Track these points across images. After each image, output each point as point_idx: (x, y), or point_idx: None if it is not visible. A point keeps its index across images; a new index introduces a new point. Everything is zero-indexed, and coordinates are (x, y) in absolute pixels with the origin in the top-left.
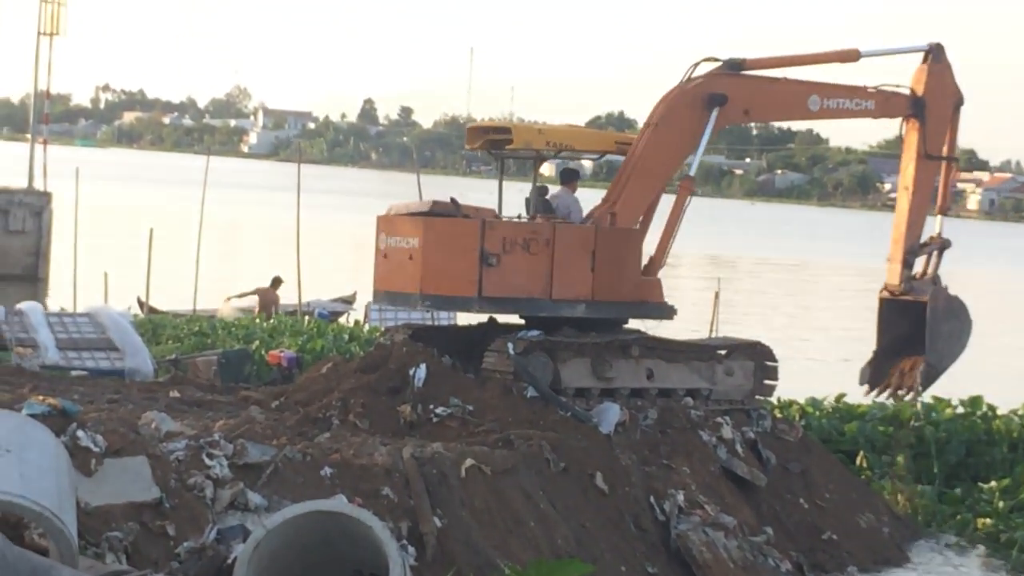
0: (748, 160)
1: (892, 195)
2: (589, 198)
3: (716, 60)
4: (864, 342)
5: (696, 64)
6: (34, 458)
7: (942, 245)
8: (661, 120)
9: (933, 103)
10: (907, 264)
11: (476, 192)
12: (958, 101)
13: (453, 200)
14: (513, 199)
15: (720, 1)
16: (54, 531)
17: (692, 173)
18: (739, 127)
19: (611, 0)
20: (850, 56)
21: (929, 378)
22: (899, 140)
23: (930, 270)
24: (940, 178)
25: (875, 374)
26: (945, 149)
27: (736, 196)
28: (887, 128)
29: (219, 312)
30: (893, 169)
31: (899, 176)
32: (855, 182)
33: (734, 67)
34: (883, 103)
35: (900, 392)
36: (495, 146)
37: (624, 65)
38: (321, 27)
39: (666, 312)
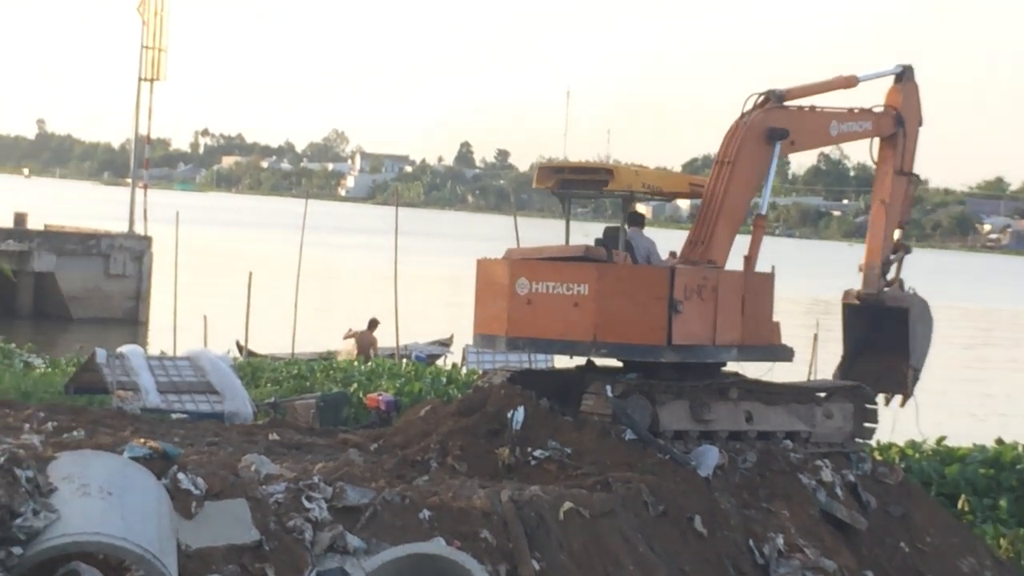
0: (846, 201)
1: (992, 236)
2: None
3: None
4: (967, 383)
5: (756, 97)
6: (135, 501)
7: (905, 251)
8: (737, 158)
9: (908, 121)
10: (884, 272)
11: (572, 234)
12: (920, 121)
13: (605, 245)
14: (574, 239)
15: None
16: (155, 573)
17: (764, 211)
18: (837, 168)
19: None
20: (851, 83)
21: (915, 381)
22: (881, 158)
23: (896, 276)
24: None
25: (846, 378)
26: (910, 166)
27: (834, 237)
28: (985, 169)
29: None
30: (992, 210)
31: (874, 189)
32: (954, 223)
33: (779, 99)
34: (877, 122)
35: (888, 396)
36: (571, 186)
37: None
38: (417, 70)
39: (787, 354)
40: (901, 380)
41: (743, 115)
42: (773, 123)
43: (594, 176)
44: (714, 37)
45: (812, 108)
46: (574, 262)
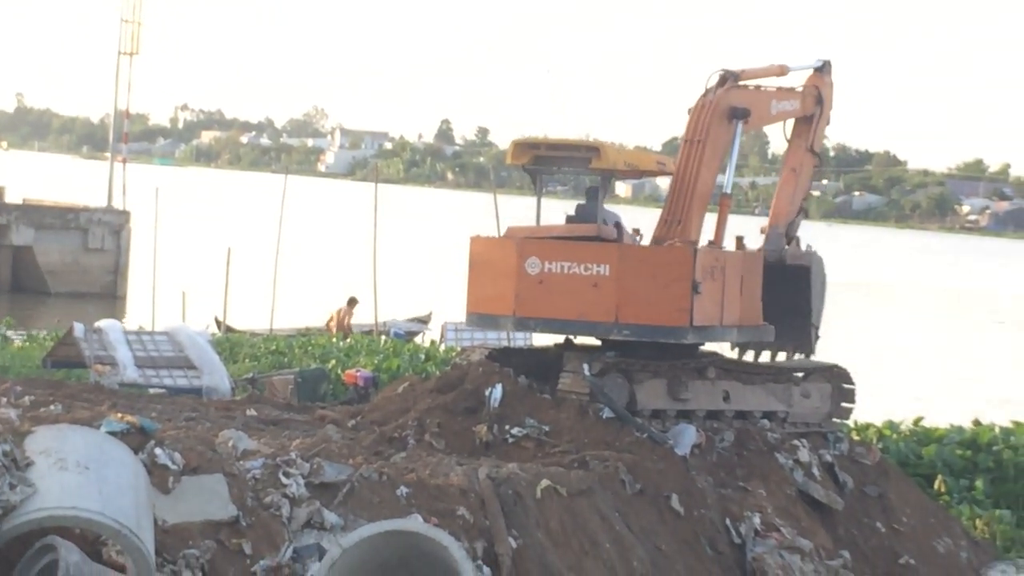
0: (825, 182)
1: (971, 217)
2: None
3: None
4: (944, 363)
5: (715, 75)
6: (112, 475)
7: (805, 215)
8: (706, 138)
9: (824, 104)
10: (788, 234)
11: (550, 212)
12: (829, 118)
13: (617, 224)
14: (553, 216)
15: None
16: (132, 549)
17: (728, 190)
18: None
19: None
20: (783, 71)
21: (817, 338)
22: (795, 133)
23: (794, 236)
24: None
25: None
26: (819, 147)
27: (814, 218)
28: (965, 150)
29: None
30: (972, 191)
31: (786, 159)
32: (933, 204)
33: (736, 79)
34: (803, 101)
35: (789, 354)
36: (549, 163)
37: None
38: (397, 47)
39: (769, 334)
40: (804, 338)
41: (705, 93)
42: (735, 102)
43: (575, 153)
44: (714, 37)
45: (759, 88)
46: (592, 242)
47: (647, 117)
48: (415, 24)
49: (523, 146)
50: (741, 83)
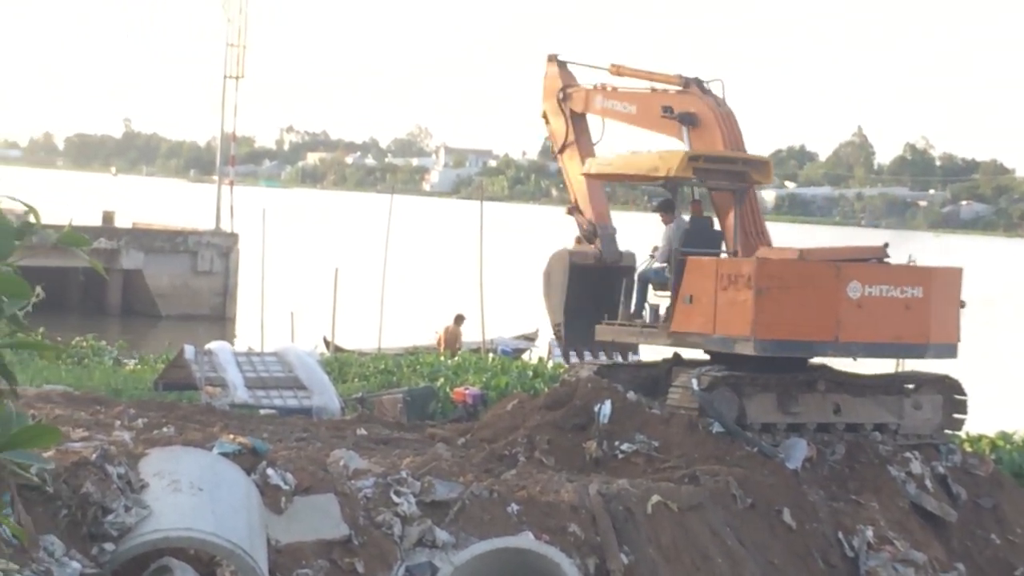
0: (932, 191)
1: None
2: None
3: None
4: None
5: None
6: (226, 496)
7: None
8: None
9: None
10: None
11: (655, 227)
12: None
13: (886, 245)
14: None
15: None
16: (246, 569)
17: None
18: (922, 158)
19: None
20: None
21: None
22: None
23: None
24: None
25: (575, 340)
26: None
27: (920, 228)
28: None
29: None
30: None
31: None
32: None
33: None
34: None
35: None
36: (707, 175)
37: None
38: (501, 66)
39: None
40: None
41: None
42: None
43: (732, 167)
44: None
45: None
46: (918, 267)
47: None
48: (511, 44)
49: (685, 159)
50: None
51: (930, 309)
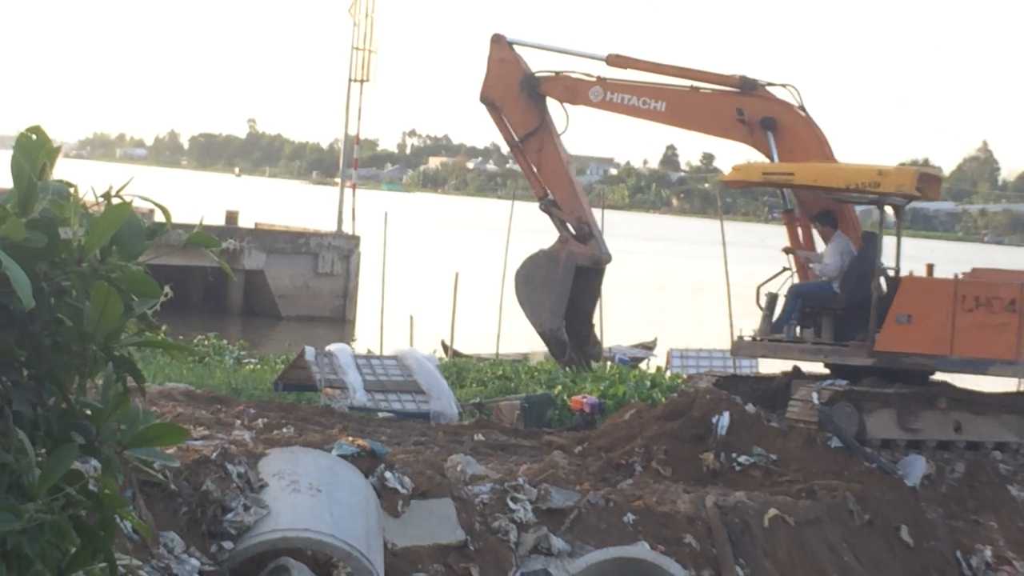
0: None
1: None
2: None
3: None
4: None
5: None
6: (344, 498)
7: None
8: None
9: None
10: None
11: (776, 239)
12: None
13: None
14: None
15: None
16: (362, 571)
17: None
18: None
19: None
20: None
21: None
22: None
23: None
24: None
25: (563, 334)
26: None
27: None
28: None
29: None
30: None
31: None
32: None
33: None
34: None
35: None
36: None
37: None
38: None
39: None
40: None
41: None
42: None
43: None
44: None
45: None
46: None
47: None
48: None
49: (916, 176)
50: None
51: None
